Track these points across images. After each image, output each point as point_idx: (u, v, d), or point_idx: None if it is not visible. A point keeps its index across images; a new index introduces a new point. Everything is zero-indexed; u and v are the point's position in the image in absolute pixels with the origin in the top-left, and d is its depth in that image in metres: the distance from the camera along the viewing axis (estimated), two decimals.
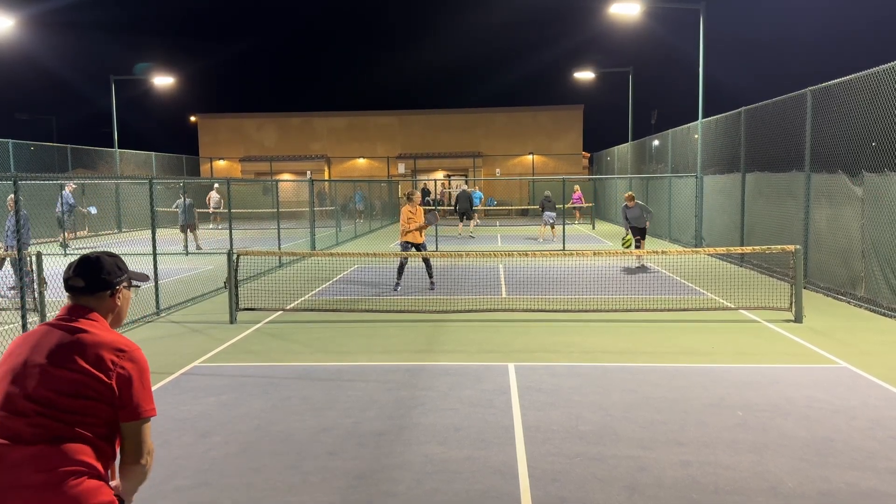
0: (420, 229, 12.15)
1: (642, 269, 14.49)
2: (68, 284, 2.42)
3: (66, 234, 18.52)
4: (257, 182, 33.02)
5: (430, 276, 12.20)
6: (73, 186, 19.11)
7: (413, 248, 12.15)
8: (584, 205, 28.81)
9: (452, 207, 25.51)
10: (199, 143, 41.38)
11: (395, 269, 12.23)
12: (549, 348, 7.89)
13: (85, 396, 2.24)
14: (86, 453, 2.21)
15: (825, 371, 6.79)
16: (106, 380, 2.27)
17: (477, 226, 24.52)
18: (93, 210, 19.59)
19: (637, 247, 14.58)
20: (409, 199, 12.22)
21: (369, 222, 28.27)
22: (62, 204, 18.30)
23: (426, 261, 12.00)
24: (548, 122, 40.08)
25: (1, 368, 2.30)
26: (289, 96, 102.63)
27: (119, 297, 2.50)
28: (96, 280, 2.43)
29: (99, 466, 2.24)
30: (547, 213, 21.52)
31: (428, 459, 4.77)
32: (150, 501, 4.21)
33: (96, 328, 2.37)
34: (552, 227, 21.39)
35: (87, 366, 2.26)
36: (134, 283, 2.58)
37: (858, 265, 10.33)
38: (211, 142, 41.11)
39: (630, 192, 15.25)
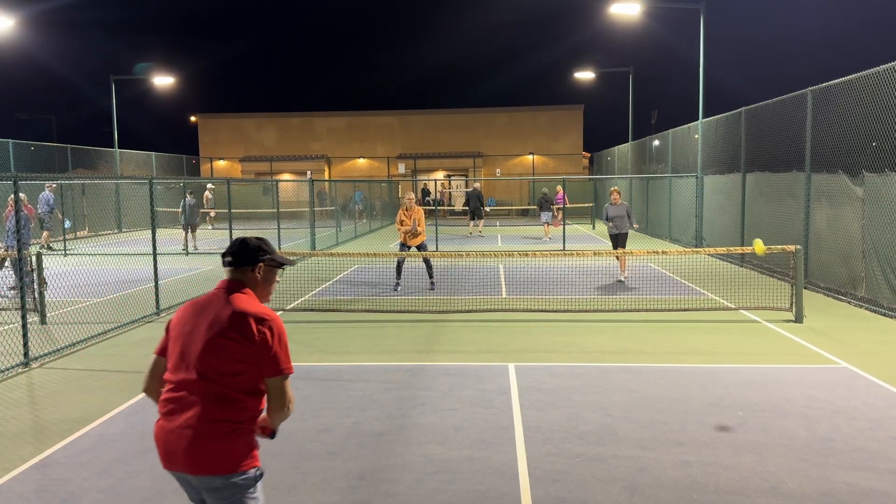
0: (408, 234, 12.01)
1: (620, 283, 12.56)
2: (223, 261, 2.94)
3: (46, 234, 18.33)
4: (257, 182, 33.03)
5: (431, 276, 12.18)
6: (54, 187, 19.05)
7: (412, 248, 12.17)
8: (569, 205, 28.16)
9: (465, 206, 26.20)
10: (199, 143, 41.38)
11: (394, 269, 12.22)
12: (550, 348, 7.89)
13: (237, 360, 2.71)
14: (235, 407, 2.70)
15: (825, 371, 6.78)
16: (252, 344, 2.72)
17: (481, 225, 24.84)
18: (66, 224, 19.50)
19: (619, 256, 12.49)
20: (402, 202, 12.22)
21: (369, 222, 28.27)
22: (41, 205, 18.18)
23: (426, 261, 11.99)
24: (548, 122, 40.07)
25: (174, 332, 2.87)
26: (289, 96, 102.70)
27: (259, 273, 2.91)
28: (240, 256, 2.89)
29: (247, 418, 2.74)
30: (543, 212, 22.66)
31: (428, 460, 4.76)
32: (151, 502, 4.21)
33: (244, 300, 2.83)
34: (545, 226, 22.51)
35: (237, 334, 2.72)
36: (275, 262, 2.97)
37: (859, 265, 10.32)
38: (211, 142, 41.10)
39: (616, 188, 13.31)
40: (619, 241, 12.85)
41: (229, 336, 2.73)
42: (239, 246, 2.93)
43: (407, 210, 12.13)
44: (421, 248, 12.22)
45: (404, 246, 12.17)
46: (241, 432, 2.72)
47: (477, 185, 25.46)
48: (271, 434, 2.88)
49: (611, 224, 12.83)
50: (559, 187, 26.40)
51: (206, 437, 2.65)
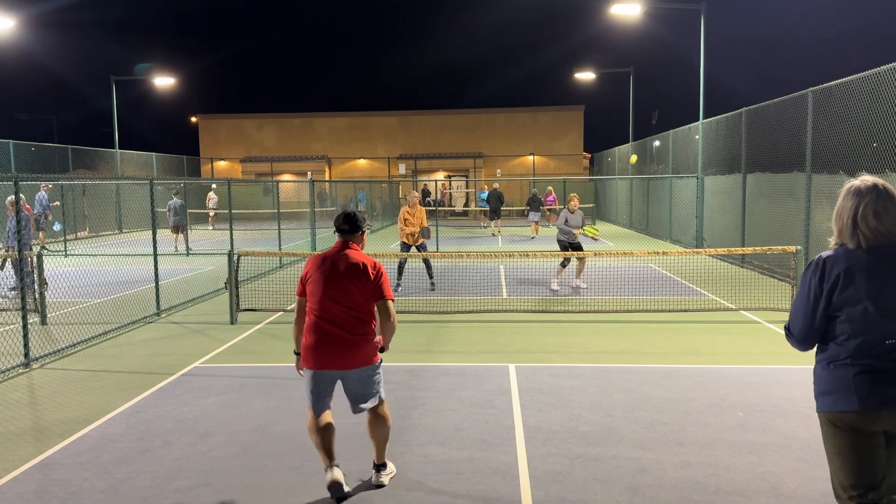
0: (412, 236, 12.03)
1: (577, 289, 12.12)
2: (340, 228, 4.32)
3: (42, 235, 18.29)
4: (258, 182, 33.02)
5: (431, 276, 12.18)
6: (50, 187, 19.03)
7: (413, 249, 12.16)
8: (559, 207, 28.10)
9: (486, 207, 27.07)
10: (199, 144, 41.38)
11: (395, 269, 12.23)
12: (550, 349, 7.89)
13: (361, 293, 4.16)
14: (367, 323, 4.18)
15: None
16: (370, 280, 4.17)
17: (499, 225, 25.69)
18: (57, 226, 19.46)
19: (565, 264, 12.10)
20: (407, 200, 12.22)
21: (370, 223, 28.29)
22: (36, 205, 18.15)
23: (426, 261, 11.99)
24: (548, 123, 40.06)
25: (313, 279, 4.21)
26: (289, 96, 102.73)
27: (365, 235, 4.43)
28: (355, 225, 4.33)
29: (372, 329, 4.21)
30: (532, 212, 23.82)
31: (428, 460, 4.76)
32: (151, 502, 4.21)
33: (358, 252, 4.30)
34: (535, 224, 23.78)
35: (362, 274, 4.16)
36: (368, 229, 4.58)
37: None
38: (212, 142, 41.10)
39: (575, 194, 12.62)
40: (576, 247, 12.07)
41: (359, 276, 4.15)
42: (354, 217, 4.34)
43: (411, 208, 12.11)
44: (421, 248, 12.22)
45: (407, 246, 12.17)
46: (371, 338, 4.19)
47: (496, 185, 26.24)
48: (383, 349, 4.25)
49: (566, 235, 12.06)
50: (550, 188, 26.49)
51: (356, 345, 4.14)
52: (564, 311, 9.97)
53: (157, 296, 10.14)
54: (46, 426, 5.55)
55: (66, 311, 10.30)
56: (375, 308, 4.19)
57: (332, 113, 41.71)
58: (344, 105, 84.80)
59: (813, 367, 3.01)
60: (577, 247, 12.07)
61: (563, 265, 12.13)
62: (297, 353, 4.38)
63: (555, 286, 12.04)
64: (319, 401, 4.27)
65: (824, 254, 2.98)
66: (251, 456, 4.88)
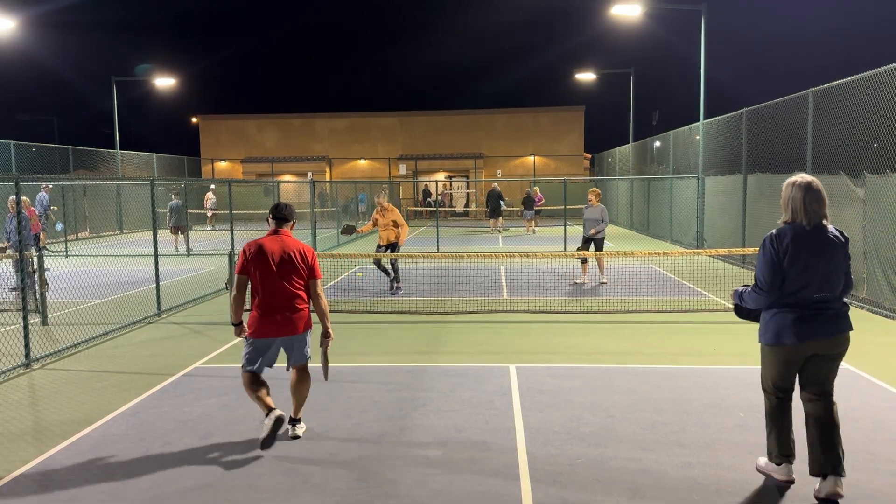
0: (381, 238, 11.75)
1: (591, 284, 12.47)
2: (277, 216, 5.18)
3: (43, 235, 18.29)
4: (258, 183, 33.01)
5: (393, 278, 11.74)
6: (50, 188, 19.03)
7: (387, 249, 11.74)
8: (545, 206, 27.87)
9: (486, 206, 27.75)
10: (200, 145, 41.40)
11: (376, 270, 11.90)
12: (551, 349, 7.89)
13: (296, 273, 5.03)
14: (302, 299, 5.08)
15: None
16: (303, 261, 5.07)
17: (500, 223, 26.19)
18: (59, 227, 19.45)
19: (585, 260, 12.46)
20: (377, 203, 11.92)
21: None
22: (37, 206, 18.16)
23: (393, 262, 11.67)
24: (549, 123, 40.05)
25: (256, 261, 4.99)
26: (290, 97, 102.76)
27: (294, 224, 5.30)
28: (289, 215, 5.24)
29: (307, 303, 5.13)
30: (526, 210, 24.51)
31: (429, 461, 4.76)
32: (152, 503, 4.22)
33: (291, 238, 5.16)
34: (528, 222, 24.68)
35: (294, 256, 5.05)
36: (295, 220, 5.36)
37: (860, 266, 10.31)
38: (212, 143, 41.12)
39: (593, 188, 12.87)
40: (595, 244, 12.46)
41: (294, 258, 5.01)
42: (287, 209, 5.21)
43: (381, 211, 11.75)
44: (394, 248, 11.77)
45: (379, 247, 11.88)
46: (306, 312, 5.11)
47: (496, 185, 26.53)
48: (327, 334, 5.17)
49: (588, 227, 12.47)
50: (536, 188, 26.57)
51: (293, 316, 5.03)
52: (565, 312, 9.97)
53: (158, 296, 10.14)
54: (47, 427, 5.55)
55: (66, 311, 10.30)
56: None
57: (333, 113, 41.72)
58: (344, 105, 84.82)
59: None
60: (596, 243, 12.45)
61: (583, 262, 12.57)
62: (236, 324, 5.19)
63: (578, 280, 12.53)
64: (258, 363, 5.07)
65: (775, 230, 4.15)
66: (251, 456, 4.89)
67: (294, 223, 5.26)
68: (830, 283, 4.05)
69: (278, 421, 4.84)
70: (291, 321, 5.01)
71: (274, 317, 4.98)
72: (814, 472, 4.10)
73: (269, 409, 4.88)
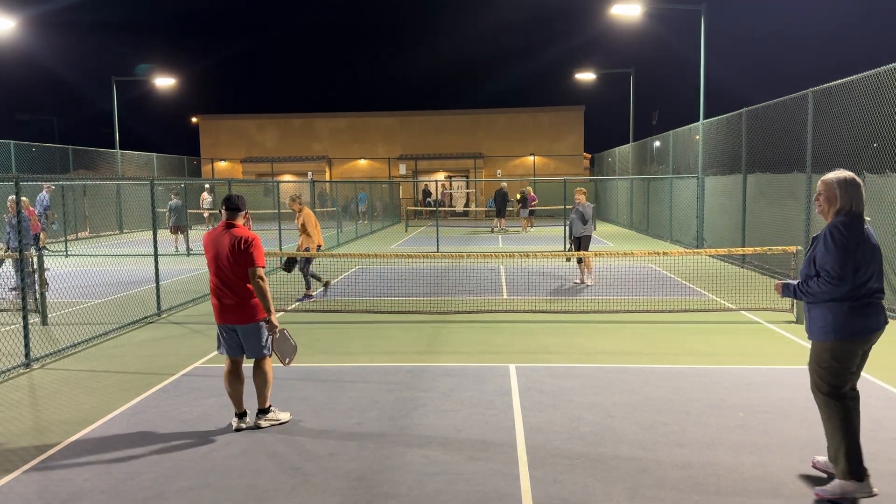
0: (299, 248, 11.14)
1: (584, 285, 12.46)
2: (228, 207, 5.40)
3: (43, 235, 18.28)
4: (258, 183, 33.00)
5: (308, 285, 11.17)
6: (52, 188, 19.02)
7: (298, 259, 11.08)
8: (538, 207, 27.65)
9: (493, 205, 28.30)
10: (200, 144, 41.38)
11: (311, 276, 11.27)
12: (551, 349, 7.89)
13: (237, 262, 5.23)
14: (245, 287, 5.27)
15: None
16: (242, 251, 5.23)
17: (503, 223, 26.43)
18: (55, 226, 19.45)
19: (581, 260, 12.42)
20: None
21: (370, 223, 28.27)
22: (37, 206, 18.16)
23: (303, 268, 11.11)
24: (549, 123, 40.05)
25: (209, 255, 5.33)
26: (290, 97, 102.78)
27: (246, 215, 5.60)
28: (239, 206, 5.44)
29: (251, 291, 5.29)
30: (522, 209, 25.43)
31: (429, 461, 4.76)
32: (152, 502, 4.22)
33: (239, 228, 5.36)
34: (525, 221, 25.49)
35: (236, 246, 5.23)
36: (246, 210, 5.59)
37: None
38: (212, 143, 41.11)
39: (579, 188, 12.77)
40: (582, 243, 12.50)
41: (235, 248, 5.22)
42: (237, 201, 5.44)
43: (298, 215, 11.16)
44: (303, 261, 11.09)
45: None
46: (251, 300, 5.28)
47: (503, 185, 26.93)
48: (268, 320, 5.33)
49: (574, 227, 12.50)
50: (529, 188, 26.62)
51: (238, 304, 5.28)
52: (565, 312, 9.97)
53: (158, 296, 10.14)
54: (47, 426, 5.55)
55: (66, 311, 10.30)
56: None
57: (333, 113, 41.71)
58: (344, 105, 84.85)
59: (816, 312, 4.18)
60: (583, 242, 12.41)
61: (579, 262, 12.54)
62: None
63: (589, 282, 12.44)
64: (221, 347, 5.48)
65: (839, 221, 4.17)
66: (251, 456, 4.89)
67: (247, 212, 5.59)
68: (881, 274, 4.23)
69: (238, 431, 5.35)
70: (230, 309, 5.30)
71: (218, 303, 5.36)
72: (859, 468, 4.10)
73: (236, 413, 5.45)
